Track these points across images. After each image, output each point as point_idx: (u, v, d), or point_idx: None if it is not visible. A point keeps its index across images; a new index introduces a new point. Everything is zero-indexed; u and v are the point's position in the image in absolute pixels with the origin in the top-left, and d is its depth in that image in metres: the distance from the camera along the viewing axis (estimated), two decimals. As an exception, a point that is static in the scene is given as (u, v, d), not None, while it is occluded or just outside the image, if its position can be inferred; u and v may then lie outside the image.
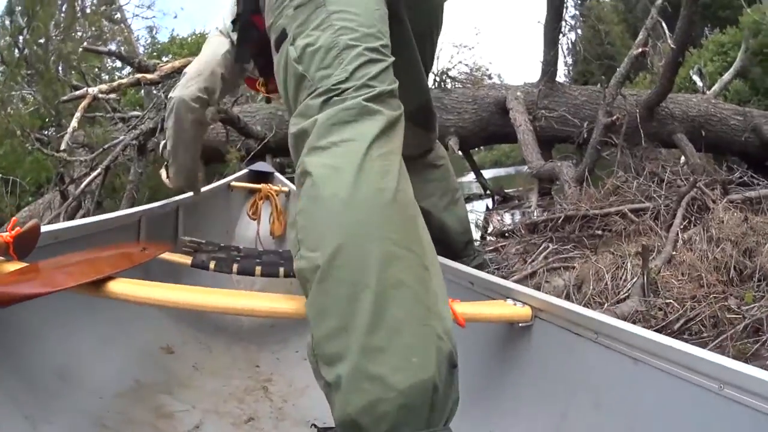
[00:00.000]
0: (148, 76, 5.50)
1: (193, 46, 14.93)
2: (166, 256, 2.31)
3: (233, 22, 2.19)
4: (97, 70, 10.22)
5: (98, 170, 4.92)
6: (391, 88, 1.26)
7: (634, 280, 2.66)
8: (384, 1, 1.47)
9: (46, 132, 6.89)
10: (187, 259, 2.39)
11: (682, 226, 3.39)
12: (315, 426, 1.58)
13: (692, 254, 2.90)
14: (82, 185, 4.91)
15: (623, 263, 2.83)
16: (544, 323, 1.39)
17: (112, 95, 5.48)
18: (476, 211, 7.00)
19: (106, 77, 10.68)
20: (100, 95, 5.12)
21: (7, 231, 1.42)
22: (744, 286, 2.67)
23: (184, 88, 2.32)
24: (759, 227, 3.07)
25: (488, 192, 9.04)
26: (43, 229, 1.60)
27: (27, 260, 1.43)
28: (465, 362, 1.64)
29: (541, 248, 3.60)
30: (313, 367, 1.05)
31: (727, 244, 2.93)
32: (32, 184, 6.61)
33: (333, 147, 1.13)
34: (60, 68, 6.89)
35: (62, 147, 4.88)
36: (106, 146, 5.17)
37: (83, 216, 5.09)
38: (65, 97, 5.70)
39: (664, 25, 6.25)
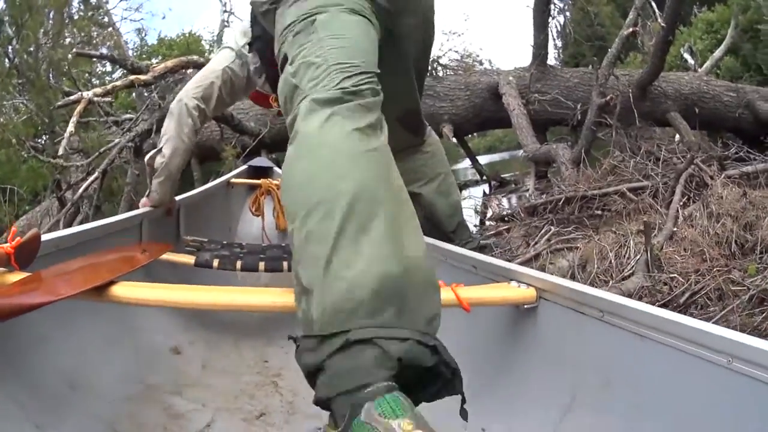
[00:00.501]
0: (142, 77, 5.49)
1: (182, 46, 14.90)
2: (170, 256, 2.31)
3: (249, 44, 2.37)
4: (87, 75, 10.19)
5: (95, 174, 4.90)
6: (374, 100, 1.37)
7: (638, 257, 2.66)
8: (374, 27, 1.63)
9: (39, 140, 6.87)
10: (190, 259, 2.39)
11: (681, 203, 3.39)
12: (291, 337, 1.60)
13: (693, 230, 2.91)
14: (80, 190, 4.89)
15: (626, 241, 2.84)
16: (549, 304, 1.39)
17: (107, 98, 5.47)
18: (474, 196, 7.02)
19: (97, 81, 10.66)
20: (95, 98, 5.10)
21: (7, 242, 1.41)
22: (746, 259, 2.67)
23: (187, 96, 2.41)
24: (758, 201, 3.07)
25: (485, 177, 9.08)
26: (44, 237, 1.60)
27: (29, 270, 1.43)
28: (472, 346, 1.65)
29: (543, 230, 3.61)
30: (295, 283, 1.16)
31: (728, 219, 2.94)
32: (29, 192, 6.59)
33: (320, 124, 1.25)
34: (51, 75, 6.85)
35: (60, 152, 4.86)
36: (102, 150, 5.15)
37: (82, 221, 5.07)
38: (60, 103, 5.67)
39: (653, 3, 6.24)
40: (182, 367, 2.04)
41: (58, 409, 1.43)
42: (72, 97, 5.28)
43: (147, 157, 2.50)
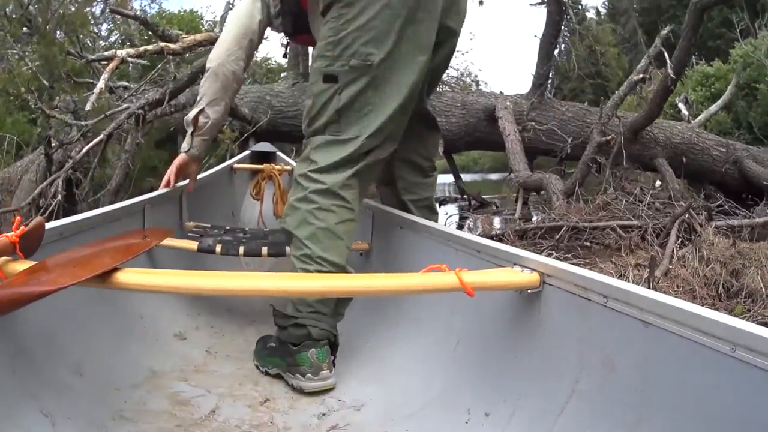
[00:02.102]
0: (171, 45, 5.43)
1: (182, 22, 14.76)
2: (173, 242, 2.31)
3: None
4: (82, 37, 10.02)
5: (101, 136, 4.80)
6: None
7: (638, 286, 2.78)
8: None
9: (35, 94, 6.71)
10: (193, 244, 2.37)
11: (676, 245, 3.52)
12: (272, 305, 1.95)
13: (685, 270, 3.04)
14: (83, 150, 4.77)
15: (625, 272, 2.95)
16: (552, 289, 1.38)
17: (141, 60, 5.42)
18: (449, 213, 7.14)
19: (92, 45, 10.51)
20: (128, 59, 5.06)
21: (12, 231, 1.39)
22: (731, 302, 2.82)
23: (232, 58, 2.32)
24: (745, 252, 3.22)
25: (465, 196, 9.21)
26: (48, 225, 1.58)
27: (34, 258, 1.42)
28: (475, 330, 1.71)
29: (543, 253, 3.70)
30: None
31: (717, 264, 3.08)
32: (13, 145, 6.43)
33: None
34: (59, 30, 6.72)
35: (87, 107, 4.79)
36: (110, 113, 5.07)
37: (66, 179, 4.95)
38: (93, 57, 5.60)
39: (666, 54, 6.30)
40: (187, 353, 2.04)
41: (66, 396, 1.43)
42: (106, 53, 5.24)
43: (190, 116, 2.42)
